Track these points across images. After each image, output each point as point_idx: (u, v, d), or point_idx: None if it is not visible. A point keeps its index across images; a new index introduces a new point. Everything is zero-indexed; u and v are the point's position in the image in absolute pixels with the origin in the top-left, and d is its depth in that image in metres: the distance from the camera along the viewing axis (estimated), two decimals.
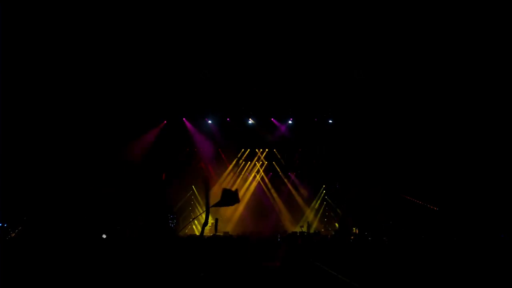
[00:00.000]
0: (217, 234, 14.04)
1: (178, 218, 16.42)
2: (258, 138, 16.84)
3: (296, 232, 14.53)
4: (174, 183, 16.80)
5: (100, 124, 13.51)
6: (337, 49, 11.62)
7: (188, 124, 16.56)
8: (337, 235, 14.53)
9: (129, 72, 12.53)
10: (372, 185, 15.30)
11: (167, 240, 11.29)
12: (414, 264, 7.49)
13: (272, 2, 9.86)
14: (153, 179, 15.93)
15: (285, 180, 18.36)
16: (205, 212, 5.18)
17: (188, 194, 17.82)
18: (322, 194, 18.30)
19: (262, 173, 18.58)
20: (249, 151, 18.29)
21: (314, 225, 17.06)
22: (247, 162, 18.55)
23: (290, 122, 16.29)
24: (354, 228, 14.87)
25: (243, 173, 18.55)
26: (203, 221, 5.23)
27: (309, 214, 17.79)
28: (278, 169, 18.36)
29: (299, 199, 17.96)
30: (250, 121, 16.22)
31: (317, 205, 18.17)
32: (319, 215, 18.04)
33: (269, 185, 18.50)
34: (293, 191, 18.13)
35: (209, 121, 16.35)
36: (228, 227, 16.57)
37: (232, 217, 17.25)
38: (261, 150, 18.48)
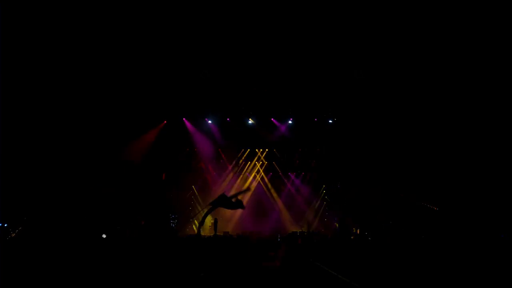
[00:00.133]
0: (217, 234, 14.08)
1: (180, 218, 16.45)
2: (258, 138, 16.84)
3: (296, 232, 14.55)
4: (174, 183, 16.81)
5: (100, 124, 13.51)
6: (337, 49, 11.62)
7: (188, 124, 16.56)
8: (337, 235, 14.54)
9: (129, 72, 12.54)
10: (372, 185, 15.31)
11: (169, 240, 11.31)
12: (414, 264, 7.49)
13: (272, 2, 9.86)
14: (153, 179, 15.94)
15: (285, 180, 18.36)
16: (205, 212, 5.20)
17: (188, 194, 17.82)
18: (322, 194, 18.31)
19: (262, 173, 18.58)
20: (249, 151, 18.27)
21: (314, 225, 17.06)
22: (247, 162, 18.55)
23: (290, 122, 16.29)
24: (354, 228, 14.89)
25: (243, 173, 18.55)
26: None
27: (309, 214, 17.78)
28: (278, 169, 18.37)
29: (299, 199, 17.95)
30: (250, 121, 16.22)
31: (317, 205, 18.18)
32: (319, 215, 18.05)
33: (269, 185, 18.50)
34: (293, 191, 18.12)
35: (209, 121, 16.36)
36: (228, 227, 16.57)
37: (232, 217, 17.23)
38: (261, 150, 18.46)
